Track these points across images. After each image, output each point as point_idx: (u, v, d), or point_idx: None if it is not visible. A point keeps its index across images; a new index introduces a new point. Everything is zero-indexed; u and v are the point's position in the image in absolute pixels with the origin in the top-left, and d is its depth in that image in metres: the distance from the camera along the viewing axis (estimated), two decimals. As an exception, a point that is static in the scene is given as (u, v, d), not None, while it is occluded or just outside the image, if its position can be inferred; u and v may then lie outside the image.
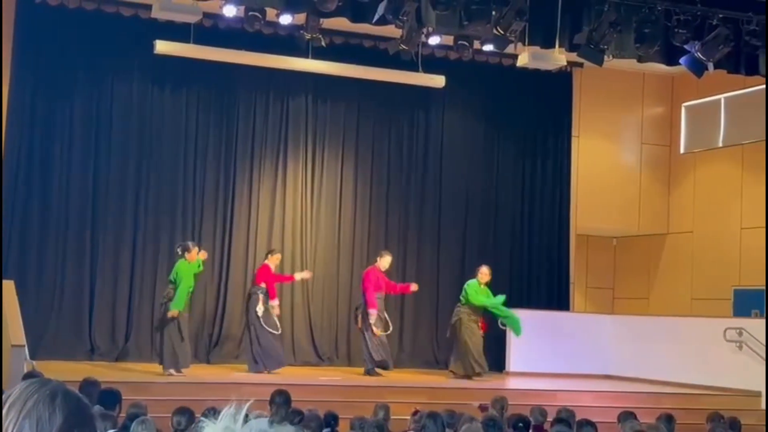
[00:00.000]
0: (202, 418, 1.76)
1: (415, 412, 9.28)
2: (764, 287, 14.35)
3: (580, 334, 15.29)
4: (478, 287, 14.05)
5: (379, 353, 13.67)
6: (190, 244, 12.76)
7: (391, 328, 14.10)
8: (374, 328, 13.60)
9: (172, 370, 12.22)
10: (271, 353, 13.29)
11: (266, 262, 13.69)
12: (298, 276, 14.25)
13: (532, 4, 11.40)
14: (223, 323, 14.80)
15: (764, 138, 14.95)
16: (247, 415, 1.73)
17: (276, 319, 13.43)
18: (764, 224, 14.92)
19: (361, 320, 13.79)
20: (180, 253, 12.59)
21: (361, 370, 14.02)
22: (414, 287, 14.35)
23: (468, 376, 13.86)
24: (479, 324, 14.03)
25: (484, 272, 14.15)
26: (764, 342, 13.32)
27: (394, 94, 15.41)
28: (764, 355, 13.26)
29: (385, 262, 14.01)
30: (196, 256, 12.61)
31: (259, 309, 13.25)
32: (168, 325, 12.30)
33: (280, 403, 7.83)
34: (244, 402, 1.75)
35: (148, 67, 14.39)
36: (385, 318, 13.96)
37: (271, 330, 13.26)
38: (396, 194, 15.96)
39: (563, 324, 15.45)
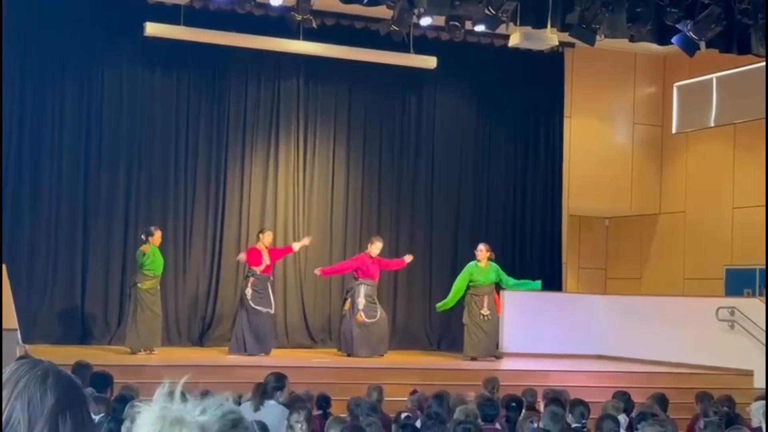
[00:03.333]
0: (136, 403, 1.70)
1: (414, 392, 9.31)
2: (756, 267, 14.37)
3: (573, 315, 15.30)
4: (472, 267, 14.08)
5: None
6: (152, 228, 13.12)
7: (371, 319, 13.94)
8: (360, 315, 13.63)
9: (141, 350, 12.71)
10: (259, 337, 13.30)
11: (256, 245, 13.67)
12: (297, 246, 14.14)
13: (523, -16, 11.36)
14: (215, 306, 14.79)
15: (756, 117, 14.94)
16: (184, 394, 1.65)
17: (268, 298, 13.40)
18: (756, 204, 14.94)
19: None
20: (144, 238, 13.00)
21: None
22: (408, 258, 14.28)
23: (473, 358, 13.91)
24: (482, 304, 13.87)
25: (479, 249, 14.15)
26: (756, 321, 13.35)
27: (386, 75, 15.36)
28: (756, 335, 13.29)
29: (375, 248, 13.96)
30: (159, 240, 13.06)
31: (247, 292, 13.33)
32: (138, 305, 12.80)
33: (274, 385, 7.81)
34: (177, 380, 1.67)
35: (138, 49, 14.31)
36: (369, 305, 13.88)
37: (261, 309, 13.25)
38: (388, 175, 15.94)
39: (556, 305, 15.45)
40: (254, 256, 13.50)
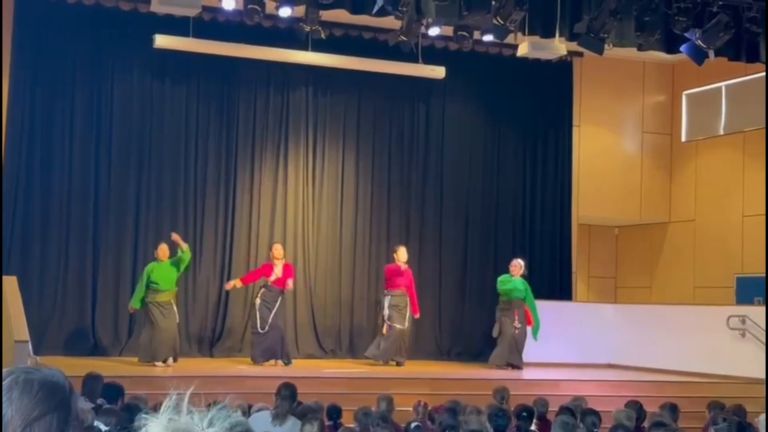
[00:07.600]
0: (143, 415, 1.66)
1: (419, 404, 9.31)
2: (766, 275, 14.33)
3: (583, 324, 15.28)
4: (505, 278, 14.39)
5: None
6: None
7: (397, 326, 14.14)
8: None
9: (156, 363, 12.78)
10: (258, 346, 13.48)
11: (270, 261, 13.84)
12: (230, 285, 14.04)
13: (531, -6, 11.38)
14: (226, 317, 14.80)
15: (765, 125, 14.92)
16: (190, 406, 1.64)
17: (265, 315, 13.50)
18: (765, 212, 14.90)
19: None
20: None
21: (365, 362, 14.18)
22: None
23: (501, 367, 14.14)
24: (514, 318, 14.13)
25: (513, 264, 14.42)
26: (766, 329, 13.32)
27: (395, 85, 15.39)
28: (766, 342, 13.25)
29: (401, 254, 14.22)
30: (162, 252, 13.16)
31: (256, 301, 13.65)
32: (142, 318, 12.99)
33: (286, 395, 7.83)
34: (183, 393, 1.66)
35: (148, 61, 14.37)
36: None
37: (265, 320, 13.41)
38: (397, 185, 15.94)
39: (566, 313, 15.44)
40: (267, 269, 13.76)
